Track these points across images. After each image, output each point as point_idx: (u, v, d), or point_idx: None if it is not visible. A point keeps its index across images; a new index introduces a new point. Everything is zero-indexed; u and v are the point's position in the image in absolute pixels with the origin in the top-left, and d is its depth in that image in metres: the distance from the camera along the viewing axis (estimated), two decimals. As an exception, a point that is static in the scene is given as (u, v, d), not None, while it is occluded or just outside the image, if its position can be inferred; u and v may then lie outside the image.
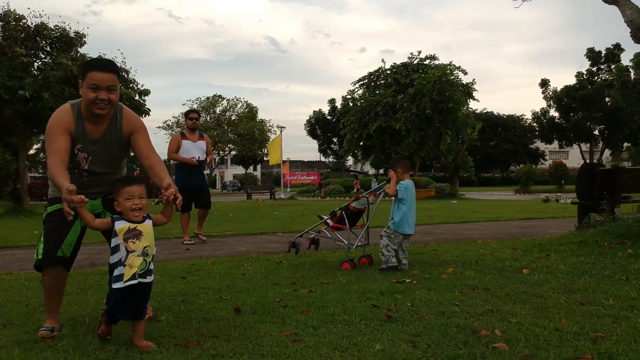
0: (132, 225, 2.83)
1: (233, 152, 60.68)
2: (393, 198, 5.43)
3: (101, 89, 3.17)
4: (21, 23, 16.92)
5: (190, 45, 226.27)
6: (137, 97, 17.41)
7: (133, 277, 2.76)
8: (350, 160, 77.46)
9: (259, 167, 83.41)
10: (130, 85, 18.62)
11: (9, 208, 17.58)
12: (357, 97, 33.98)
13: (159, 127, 54.01)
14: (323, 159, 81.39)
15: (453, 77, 29.85)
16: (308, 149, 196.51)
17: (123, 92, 17.07)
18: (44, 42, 17.74)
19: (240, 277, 5.03)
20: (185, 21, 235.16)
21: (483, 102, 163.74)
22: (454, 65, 30.39)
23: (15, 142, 19.34)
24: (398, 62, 33.24)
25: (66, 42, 17.78)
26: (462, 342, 2.85)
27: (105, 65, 3.28)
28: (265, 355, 2.74)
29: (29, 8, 25.05)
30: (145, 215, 2.93)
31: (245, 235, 9.61)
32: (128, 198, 2.88)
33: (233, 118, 56.82)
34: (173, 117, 59.96)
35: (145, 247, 2.81)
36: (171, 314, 3.68)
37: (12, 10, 17.07)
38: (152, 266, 2.87)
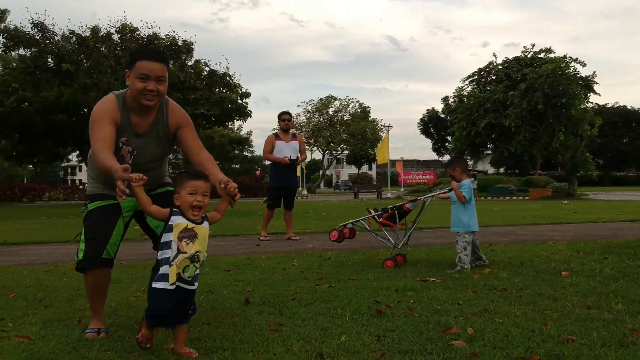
0: (190, 225, 2.61)
1: (346, 152, 61.49)
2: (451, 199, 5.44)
3: (150, 79, 3.00)
4: (135, 34, 18.34)
5: (311, 47, 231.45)
6: (238, 100, 18.21)
7: (179, 279, 2.58)
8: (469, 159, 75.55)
9: (374, 166, 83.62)
10: (235, 89, 19.51)
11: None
12: (466, 94, 33.17)
13: (274, 129, 55.81)
14: (440, 157, 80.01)
15: (569, 70, 28.28)
16: (424, 148, 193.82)
17: (226, 95, 17.98)
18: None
19: (279, 272, 5.25)
20: (307, 24, 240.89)
21: (614, 95, 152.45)
22: (570, 57, 28.80)
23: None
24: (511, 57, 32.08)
25: (175, 50, 19.01)
26: (427, 338, 2.88)
27: (155, 54, 3.10)
28: (240, 341, 2.92)
29: (141, 20, 27.07)
30: (203, 215, 2.71)
31: (323, 233, 9.84)
32: (191, 192, 2.63)
33: (346, 118, 57.48)
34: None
35: (197, 252, 2.60)
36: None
37: (128, 23, 18.56)
38: (198, 272, 2.67)
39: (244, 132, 59.41)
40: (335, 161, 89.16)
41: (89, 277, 3.12)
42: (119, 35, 18.52)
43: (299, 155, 8.95)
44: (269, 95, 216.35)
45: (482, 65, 34.03)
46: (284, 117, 9.11)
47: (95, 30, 18.02)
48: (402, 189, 44.79)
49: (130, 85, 3.07)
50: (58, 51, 17.05)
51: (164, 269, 2.58)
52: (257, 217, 12.95)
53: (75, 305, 3.94)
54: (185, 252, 2.57)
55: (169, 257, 2.57)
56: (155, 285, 2.59)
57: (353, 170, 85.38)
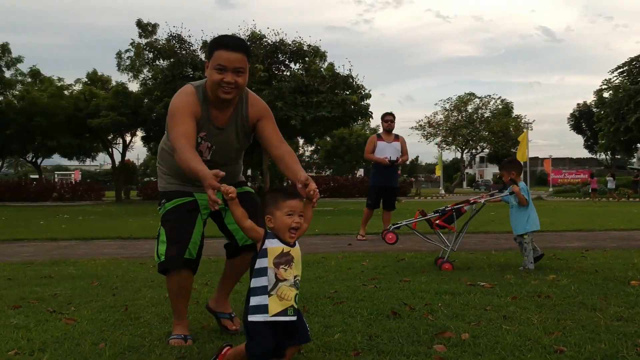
0: (286, 249, 2.36)
1: (486, 150, 59.46)
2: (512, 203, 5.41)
3: (228, 71, 2.79)
4: (262, 41, 19.29)
5: (458, 43, 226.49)
6: (358, 101, 18.46)
7: (284, 313, 2.29)
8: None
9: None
10: (358, 91, 19.78)
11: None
12: (615, 86, 30.71)
13: (411, 127, 55.41)
14: (593, 155, 74.38)
15: None
16: (576, 145, 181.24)
17: (346, 96, 18.31)
18: (282, 57, 19.93)
19: (341, 271, 5.38)
20: (453, 20, 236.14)
21: None
22: None
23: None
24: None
25: (300, 54, 19.72)
26: (415, 340, 2.89)
27: (234, 43, 2.84)
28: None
29: (268, 27, 28.25)
30: None
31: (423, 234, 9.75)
32: (290, 213, 2.37)
33: (486, 115, 55.57)
34: (425, 116, 61.25)
35: (295, 277, 2.35)
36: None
37: (257, 31, 19.57)
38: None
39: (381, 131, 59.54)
40: (479, 160, 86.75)
41: (172, 279, 2.99)
42: (248, 43, 19.61)
43: (399, 156, 9.00)
44: (413, 94, 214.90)
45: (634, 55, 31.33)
46: (387, 118, 9.22)
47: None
48: (550, 189, 42.27)
49: (208, 76, 2.87)
50: (192, 60, 18.48)
51: (258, 299, 2.29)
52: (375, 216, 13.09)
53: (138, 295, 4.37)
54: (285, 280, 2.31)
55: (267, 286, 2.29)
56: (252, 318, 2.29)
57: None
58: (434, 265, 5.57)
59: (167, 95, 22.17)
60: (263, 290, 2.30)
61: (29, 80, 29.15)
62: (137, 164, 75.35)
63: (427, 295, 4.08)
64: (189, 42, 19.27)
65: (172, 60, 18.60)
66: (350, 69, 20.22)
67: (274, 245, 2.36)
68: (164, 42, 19.73)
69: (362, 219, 9.13)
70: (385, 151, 8.96)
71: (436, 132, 56.15)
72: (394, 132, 9.15)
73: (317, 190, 2.49)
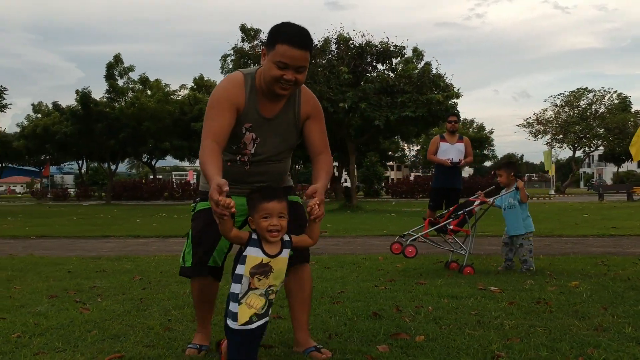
0: (266, 260, 2.34)
1: (601, 148, 56.00)
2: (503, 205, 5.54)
3: (289, 68, 2.57)
4: (349, 44, 19.49)
5: (578, 35, 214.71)
6: (444, 101, 18.17)
7: (250, 322, 2.32)
8: None
9: (642, 163, 74.43)
10: (448, 90, 19.45)
11: (341, 204, 20.57)
12: None
13: (518, 125, 53.35)
14: None
15: None
16: None
17: (433, 96, 18.11)
18: (369, 58, 20.01)
19: (370, 272, 5.48)
20: (573, 10, 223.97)
21: None
22: None
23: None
24: None
25: (387, 55, 19.71)
26: (370, 340, 2.98)
27: (301, 40, 2.58)
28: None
29: (354, 30, 28.26)
30: (285, 239, 2.43)
31: (490, 237, 9.54)
32: (265, 217, 2.35)
33: (601, 111, 52.32)
34: (534, 113, 58.59)
35: (270, 287, 2.35)
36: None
37: (344, 34, 19.81)
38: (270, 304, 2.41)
39: (486, 130, 58.03)
40: (597, 158, 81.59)
41: (195, 284, 2.89)
42: (335, 46, 19.89)
43: (461, 158, 8.88)
44: (529, 89, 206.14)
45: None
46: (451, 119, 9.13)
47: (323, 45, 19.70)
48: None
49: (265, 68, 2.62)
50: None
51: (233, 307, 2.33)
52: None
53: (164, 290, 4.72)
54: (256, 289, 2.32)
55: (238, 294, 2.32)
56: (227, 322, 2.35)
57: (622, 168, 77.01)
58: (446, 269, 5.64)
59: None
60: (235, 298, 2.32)
61: (139, 87, 31.27)
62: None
63: (427, 298, 4.11)
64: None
65: (261, 65, 19.32)
66: (437, 68, 19.85)
67: (252, 254, 2.34)
68: (256, 46, 20.52)
69: (425, 220, 9.08)
70: (448, 152, 8.86)
71: (545, 130, 53.72)
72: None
73: (318, 206, 2.37)
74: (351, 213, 18.01)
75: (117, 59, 30.31)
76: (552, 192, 45.61)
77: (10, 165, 56.18)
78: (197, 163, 41.51)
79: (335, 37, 19.94)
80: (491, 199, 5.60)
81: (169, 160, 55.31)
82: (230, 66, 23.78)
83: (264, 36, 21.60)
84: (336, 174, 29.19)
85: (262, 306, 2.33)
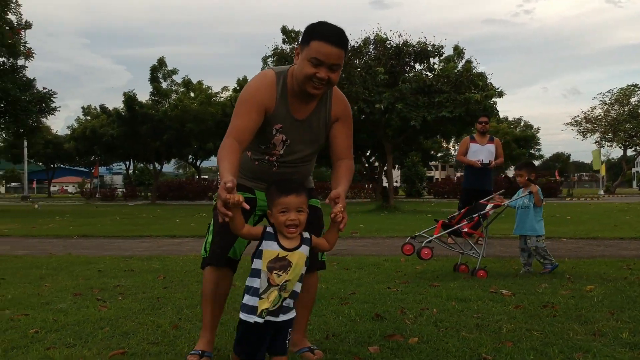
0: (283, 254, 2.29)
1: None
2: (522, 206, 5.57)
3: (323, 66, 2.50)
4: (386, 44, 19.47)
5: (631, 29, 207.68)
6: (482, 100, 17.96)
7: (260, 315, 2.27)
8: None
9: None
10: (490, 89, 19.21)
11: (377, 205, 20.57)
12: None
13: (566, 123, 52.10)
14: None
15: None
16: None
17: (469, 96, 17.92)
18: (407, 58, 19.93)
19: (387, 274, 5.55)
20: (626, 4, 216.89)
21: None
22: None
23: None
24: None
25: (425, 55, 19.60)
26: (364, 341, 3.05)
27: (337, 38, 2.52)
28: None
29: (390, 30, 28.10)
30: (305, 235, 2.38)
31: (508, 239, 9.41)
32: (283, 211, 2.30)
33: (655, 108, 50.54)
34: (582, 111, 57.04)
35: (285, 282, 2.28)
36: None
37: (382, 34, 19.81)
38: (289, 303, 2.34)
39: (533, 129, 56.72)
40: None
41: (209, 276, 2.83)
42: (373, 46, 19.89)
43: (491, 159, 8.83)
44: (580, 86, 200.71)
45: None
46: (481, 120, 9.10)
47: (360, 46, 19.76)
48: None
49: (299, 66, 2.56)
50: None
51: (251, 300, 2.29)
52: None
53: (183, 289, 4.88)
54: (276, 285, 2.27)
55: (258, 288, 2.28)
56: (241, 315, 2.30)
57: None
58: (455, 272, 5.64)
59: None
60: (255, 292, 2.28)
61: (182, 89, 31.98)
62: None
63: (435, 300, 4.15)
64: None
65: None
66: (475, 67, 19.61)
67: (269, 248, 2.30)
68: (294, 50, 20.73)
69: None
70: (479, 153, 8.83)
71: (594, 128, 52.30)
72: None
73: (342, 212, 2.32)
74: (387, 214, 17.99)
75: (161, 62, 31.07)
76: (602, 192, 44.38)
77: (61, 166, 58.18)
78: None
79: (372, 37, 19.94)
80: (506, 202, 5.58)
81: (214, 161, 56.25)
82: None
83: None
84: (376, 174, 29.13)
85: (273, 300, 2.26)
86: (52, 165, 54.95)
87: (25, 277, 5.56)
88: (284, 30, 22.87)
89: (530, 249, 5.47)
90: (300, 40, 2.61)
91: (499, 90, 19.73)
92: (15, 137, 25.64)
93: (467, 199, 8.93)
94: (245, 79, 38.28)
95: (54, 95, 24.66)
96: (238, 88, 37.43)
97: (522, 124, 63.02)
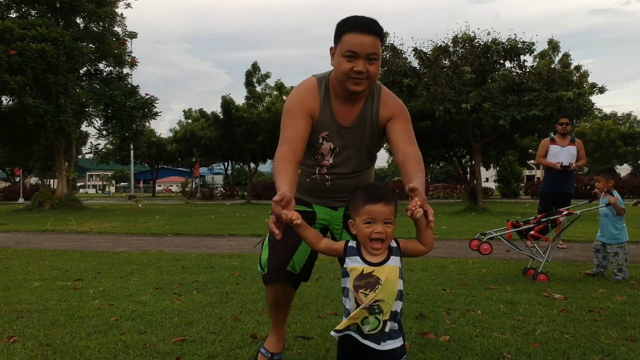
0: (368, 269, 2.04)
1: None
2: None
3: (359, 58, 2.39)
4: (473, 43, 19.22)
5: None
6: (575, 98, 17.33)
7: (346, 329, 2.07)
8: None
9: None
10: (584, 87, 18.51)
11: (466, 206, 20.32)
12: None
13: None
14: None
15: None
16: None
17: (561, 94, 17.38)
18: (496, 56, 19.55)
19: (448, 276, 5.68)
20: None
21: None
22: None
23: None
24: None
25: (515, 52, 19.16)
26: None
27: (367, 26, 2.41)
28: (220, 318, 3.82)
29: (478, 28, 27.41)
30: (393, 246, 2.12)
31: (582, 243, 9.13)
32: (368, 222, 2.06)
33: None
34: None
35: (376, 302, 2.02)
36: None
37: (470, 33, 19.58)
38: (393, 326, 2.07)
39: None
40: None
41: (269, 290, 2.76)
42: (460, 45, 19.70)
43: (572, 162, 8.66)
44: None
45: None
46: (562, 121, 8.94)
47: (446, 45, 19.70)
48: None
49: (336, 65, 2.48)
50: (400, 68, 19.28)
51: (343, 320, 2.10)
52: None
53: (252, 286, 5.29)
54: (365, 306, 2.03)
55: (349, 310, 2.08)
56: (333, 333, 2.10)
57: None
58: (522, 275, 5.64)
59: None
60: (347, 314, 2.10)
61: (275, 93, 32.93)
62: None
63: (485, 303, 4.28)
64: (401, 51, 20.10)
65: (384, 68, 19.65)
66: (571, 62, 18.96)
67: (353, 265, 2.07)
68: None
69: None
70: (559, 156, 8.69)
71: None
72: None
73: (421, 206, 2.02)
74: (475, 215, 17.77)
75: (255, 66, 32.20)
76: None
77: (165, 166, 61.54)
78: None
79: (460, 35, 19.75)
80: (579, 211, 5.55)
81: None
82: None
83: (392, 39, 21.91)
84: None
85: (364, 319, 2.03)
86: (156, 166, 58.27)
87: (118, 272, 6.20)
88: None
89: (609, 254, 5.42)
90: (333, 40, 2.50)
91: (601, 86, 18.96)
92: (121, 140, 27.50)
93: (547, 203, 8.80)
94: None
95: (156, 101, 26.34)
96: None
97: (630, 119, 59.42)
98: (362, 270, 2.03)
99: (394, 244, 2.11)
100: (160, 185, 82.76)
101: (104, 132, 26.19)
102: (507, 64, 19.84)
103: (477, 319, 3.74)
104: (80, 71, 24.77)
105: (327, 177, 2.70)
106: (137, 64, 26.17)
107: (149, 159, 55.13)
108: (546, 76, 18.36)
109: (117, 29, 25.18)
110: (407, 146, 2.49)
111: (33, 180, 65.57)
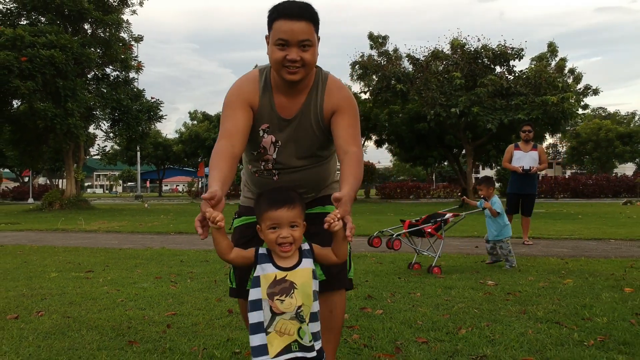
0: (281, 275, 2.00)
1: None
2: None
3: (291, 45, 2.28)
4: (464, 49, 20.06)
5: None
6: (559, 102, 18.11)
7: (288, 350, 1.97)
8: None
9: None
10: (569, 91, 19.29)
11: (457, 205, 21.19)
12: None
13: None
14: None
15: None
16: None
17: (547, 98, 18.15)
18: (487, 61, 20.38)
19: (404, 267, 6.54)
20: None
21: None
22: None
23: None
24: None
25: (504, 58, 19.99)
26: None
27: (296, 10, 2.29)
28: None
29: (468, 35, 28.31)
30: (304, 247, 2.10)
31: (588, 241, 9.96)
32: (272, 227, 2.03)
33: None
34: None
35: (299, 308, 1.97)
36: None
37: (461, 40, 20.43)
38: (316, 327, 2.05)
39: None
40: None
41: (240, 303, 2.67)
42: (452, 51, 20.55)
43: (532, 165, 9.50)
44: None
45: None
46: (524, 129, 9.84)
47: (437, 52, 20.55)
48: None
49: (269, 55, 2.35)
50: (393, 74, 20.16)
51: (258, 339, 1.98)
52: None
53: (209, 276, 6.14)
54: (283, 313, 1.96)
55: (262, 322, 1.98)
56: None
57: None
58: (408, 269, 6.43)
59: (377, 106, 24.94)
60: (260, 327, 1.99)
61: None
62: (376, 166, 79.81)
63: (427, 287, 5.14)
64: (395, 57, 21.01)
65: (379, 74, 20.54)
66: (567, 65, 19.88)
67: (265, 272, 2.01)
68: (373, 58, 21.85)
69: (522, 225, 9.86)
70: (522, 160, 9.56)
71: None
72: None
73: (339, 220, 1.95)
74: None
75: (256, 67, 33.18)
76: None
77: (171, 166, 62.62)
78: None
79: (448, 43, 20.59)
80: (463, 214, 6.63)
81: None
82: (359, 72, 25.00)
83: (390, 44, 22.77)
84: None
85: (297, 331, 1.97)
86: (162, 166, 59.36)
87: (124, 265, 7.09)
88: (371, 36, 23.86)
89: (497, 248, 6.53)
90: (267, 27, 2.38)
91: (595, 87, 19.92)
92: (128, 142, 28.44)
93: (513, 203, 9.66)
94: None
95: (161, 105, 27.26)
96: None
97: (635, 118, 59.98)
98: (275, 277, 1.99)
99: (306, 246, 2.10)
100: (167, 185, 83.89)
101: (111, 135, 27.15)
102: (498, 69, 20.70)
103: (414, 299, 4.60)
104: (88, 75, 25.72)
105: (273, 171, 2.57)
106: (142, 68, 27.10)
107: (156, 159, 56.27)
108: (533, 81, 19.19)
109: (123, 34, 26.13)
110: (348, 145, 2.36)
111: (41, 180, 66.89)
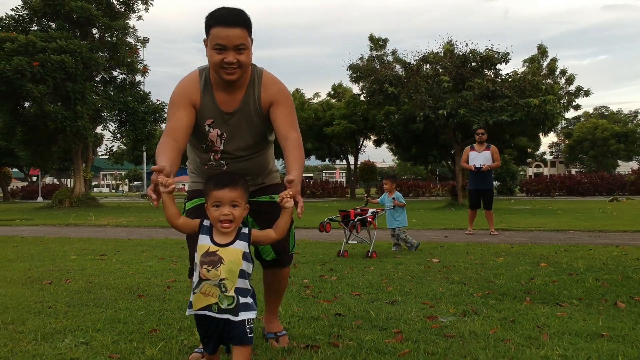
0: (213, 248, 2.25)
1: None
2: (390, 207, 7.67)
3: (228, 50, 2.53)
4: (453, 53, 21.12)
5: None
6: (541, 105, 19.11)
7: (208, 309, 2.25)
8: None
9: None
10: (552, 94, 20.30)
11: (447, 202, 22.28)
12: None
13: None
14: None
15: None
16: None
17: (530, 100, 19.19)
18: (475, 65, 21.42)
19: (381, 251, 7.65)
20: None
21: None
22: None
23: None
24: None
25: (491, 62, 21.04)
26: (305, 277, 5.24)
27: (230, 17, 2.54)
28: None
29: (457, 40, 29.66)
30: (243, 230, 2.33)
31: (550, 232, 11.01)
32: (216, 205, 2.26)
33: None
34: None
35: (222, 281, 2.22)
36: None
37: (449, 46, 21.47)
38: (247, 300, 2.29)
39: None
40: None
41: None
42: (441, 56, 21.61)
43: (483, 164, 10.60)
44: None
45: None
46: (478, 132, 11.02)
47: (427, 57, 21.63)
48: None
49: (208, 57, 2.61)
50: (385, 78, 21.25)
51: (191, 297, 2.30)
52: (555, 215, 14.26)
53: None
54: (207, 280, 2.24)
55: (195, 283, 2.29)
56: (187, 312, 2.32)
57: None
58: (364, 257, 7.59)
59: (372, 108, 26.19)
60: (194, 287, 2.29)
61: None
62: (380, 165, 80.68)
63: (382, 264, 6.23)
64: (387, 61, 22.12)
65: (371, 77, 21.64)
66: (558, 66, 21.11)
67: (202, 242, 2.29)
68: (364, 62, 22.98)
69: (468, 218, 10.97)
70: (476, 159, 10.74)
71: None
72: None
73: (296, 194, 2.25)
74: (454, 210, 19.62)
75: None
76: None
77: (181, 166, 63.79)
78: (338, 162, 44.11)
79: (441, 47, 21.63)
80: (385, 208, 7.76)
81: (312, 161, 59.51)
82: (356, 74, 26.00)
83: (390, 46, 23.78)
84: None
85: (219, 296, 2.24)
86: (168, 166, 60.54)
87: (133, 250, 8.23)
88: (372, 38, 24.71)
89: (397, 236, 7.67)
90: (205, 32, 2.61)
91: (586, 89, 21.07)
92: (134, 142, 29.60)
93: (473, 198, 10.81)
94: (340, 85, 40.74)
95: (166, 107, 28.34)
96: (333, 93, 40.05)
97: (638, 118, 60.75)
98: (208, 249, 2.25)
99: (245, 231, 2.34)
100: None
101: (118, 135, 28.31)
102: (486, 72, 21.74)
103: (367, 272, 5.70)
104: (96, 79, 26.88)
105: (222, 162, 2.84)
106: (148, 71, 28.26)
107: (161, 159, 57.30)
108: (518, 83, 20.24)
109: (130, 39, 27.26)
110: (288, 131, 2.66)
111: (48, 179, 68.29)
